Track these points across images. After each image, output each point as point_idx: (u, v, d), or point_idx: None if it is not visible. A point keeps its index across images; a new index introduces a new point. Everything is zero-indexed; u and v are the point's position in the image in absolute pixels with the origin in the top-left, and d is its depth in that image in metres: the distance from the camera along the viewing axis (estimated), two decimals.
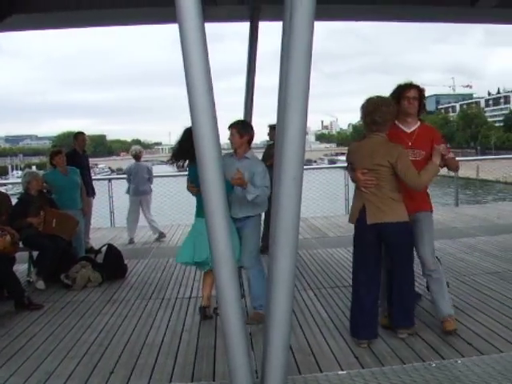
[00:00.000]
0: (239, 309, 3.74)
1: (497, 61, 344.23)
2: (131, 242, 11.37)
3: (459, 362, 4.65)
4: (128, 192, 11.70)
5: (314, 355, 5.01)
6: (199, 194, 4.89)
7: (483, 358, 4.71)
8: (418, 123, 5.53)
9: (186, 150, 5.82)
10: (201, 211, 5.20)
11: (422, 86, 5.57)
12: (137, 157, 11.70)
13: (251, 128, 6.28)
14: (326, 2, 9.04)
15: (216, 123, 3.49)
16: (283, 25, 3.78)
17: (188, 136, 5.28)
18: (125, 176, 12.06)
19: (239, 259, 5.82)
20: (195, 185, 5.50)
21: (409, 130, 5.46)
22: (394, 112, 5.22)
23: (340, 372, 4.59)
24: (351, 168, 5.45)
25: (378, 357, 4.87)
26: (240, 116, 10.03)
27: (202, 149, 3.47)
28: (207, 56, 3.45)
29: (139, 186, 11.52)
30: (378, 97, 5.27)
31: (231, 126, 6.11)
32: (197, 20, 3.38)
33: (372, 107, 5.15)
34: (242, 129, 6.15)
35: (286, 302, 3.69)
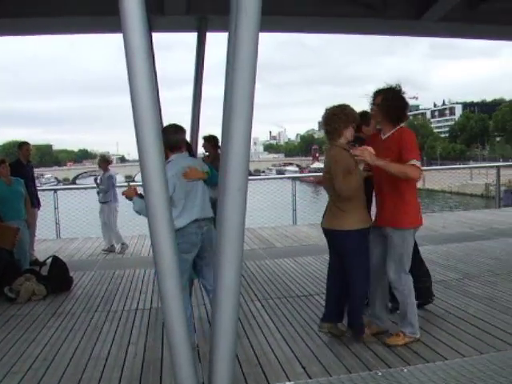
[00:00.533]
0: (185, 320, 3.69)
1: (441, 73, 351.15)
2: (123, 248, 11.33)
3: (405, 370, 4.70)
4: (103, 201, 11.51)
5: (261, 366, 4.98)
6: None
7: (428, 365, 4.79)
8: (393, 130, 5.34)
9: None
10: None
11: (397, 89, 5.38)
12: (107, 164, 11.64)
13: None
14: (273, 13, 9.10)
15: (160, 133, 3.46)
16: (228, 35, 3.77)
17: None
18: (71, 186, 11.87)
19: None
20: None
21: (383, 137, 5.44)
22: (345, 118, 5.26)
23: (287, 383, 4.59)
24: None
25: (324, 366, 4.88)
26: (187, 126, 10.00)
27: (145, 159, 3.42)
28: (151, 65, 3.41)
29: (109, 194, 11.38)
30: (335, 106, 5.38)
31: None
32: (141, 29, 3.34)
33: (325, 117, 5.34)
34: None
35: (231, 313, 3.66)
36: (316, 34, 16.60)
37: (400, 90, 5.38)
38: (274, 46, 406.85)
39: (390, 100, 5.31)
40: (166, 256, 3.57)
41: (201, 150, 9.57)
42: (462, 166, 51.97)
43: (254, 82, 3.43)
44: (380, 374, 4.63)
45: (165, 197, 3.52)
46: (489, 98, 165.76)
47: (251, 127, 3.42)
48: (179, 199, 5.29)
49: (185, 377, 3.71)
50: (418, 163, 5.13)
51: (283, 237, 11.90)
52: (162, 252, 3.56)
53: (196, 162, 5.82)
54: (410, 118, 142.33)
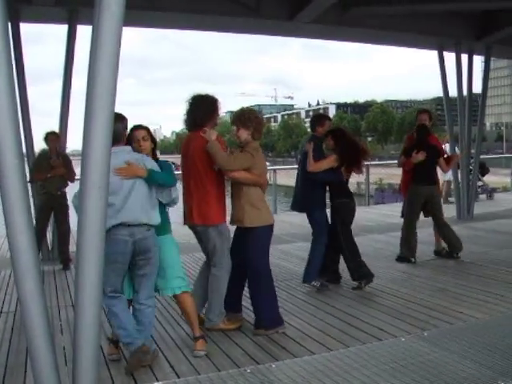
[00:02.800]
0: (45, 323, 3.53)
1: (315, 74, 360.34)
2: None
3: (273, 366, 4.74)
4: None
5: None
6: None
7: (296, 360, 4.86)
8: None
9: None
10: None
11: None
12: None
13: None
14: (147, 8, 8.97)
15: (18, 128, 3.27)
16: (92, 28, 3.65)
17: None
18: None
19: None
20: None
21: None
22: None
23: (155, 383, 4.51)
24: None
25: (193, 365, 4.84)
26: (56, 122, 9.69)
27: (2, 156, 3.23)
28: (9, 56, 3.23)
29: None
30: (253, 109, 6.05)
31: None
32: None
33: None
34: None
35: (93, 317, 3.55)
36: (191, 31, 16.53)
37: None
38: (149, 42, 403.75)
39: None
40: (24, 253, 3.38)
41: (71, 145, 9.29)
42: None
43: (116, 77, 3.35)
44: (249, 370, 4.64)
45: (22, 191, 3.34)
46: (361, 100, 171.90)
47: (112, 123, 3.33)
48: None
49: (45, 381, 3.56)
50: None
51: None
52: (20, 248, 3.37)
53: (137, 156, 4.95)
54: (285, 117, 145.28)
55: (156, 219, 4.88)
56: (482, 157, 19.10)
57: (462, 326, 5.62)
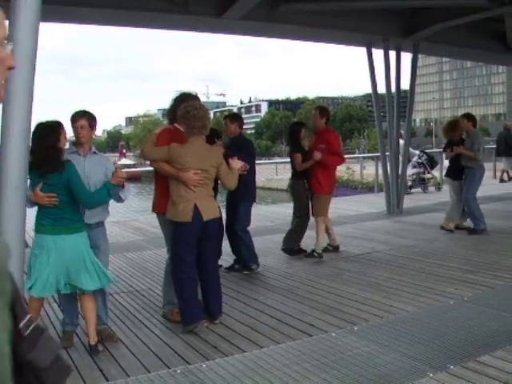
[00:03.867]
0: None
1: (246, 71, 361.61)
2: None
3: (204, 365, 4.69)
4: None
5: None
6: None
7: (227, 359, 4.82)
8: None
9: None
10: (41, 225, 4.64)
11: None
12: None
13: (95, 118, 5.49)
14: (75, 4, 8.77)
15: None
16: (9, 23, 3.51)
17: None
18: None
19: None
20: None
21: None
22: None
23: None
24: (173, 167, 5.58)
25: (123, 368, 4.75)
26: None
27: None
28: None
29: None
30: (195, 103, 5.75)
31: (78, 117, 5.19)
32: None
33: (204, 113, 5.62)
34: (92, 119, 5.35)
35: None
36: (120, 28, 16.37)
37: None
38: (79, 38, 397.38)
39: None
40: None
41: None
42: (267, 161, 53.59)
43: (34, 74, 3.23)
44: (179, 371, 4.58)
45: None
46: (293, 96, 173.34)
47: (30, 122, 3.21)
48: None
49: None
50: None
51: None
52: None
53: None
54: (217, 114, 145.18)
55: None
56: (429, 151, 20.17)
57: (392, 320, 5.68)
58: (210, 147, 5.85)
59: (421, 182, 18.13)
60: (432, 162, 18.35)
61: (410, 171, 17.35)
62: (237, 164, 5.99)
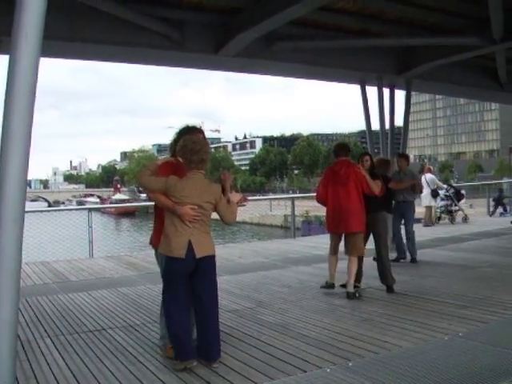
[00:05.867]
0: None
1: (239, 107, 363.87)
2: None
3: None
4: None
5: None
6: None
7: None
8: None
9: None
10: None
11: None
12: None
13: None
14: (65, 39, 8.86)
15: None
16: (9, 59, 3.56)
17: None
18: None
19: None
20: None
21: None
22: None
23: None
24: (169, 200, 5.48)
25: None
26: None
27: None
28: None
29: None
30: (197, 136, 5.73)
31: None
32: None
33: (200, 146, 5.51)
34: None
35: (7, 355, 3.41)
36: (112, 63, 16.48)
37: None
38: (73, 72, 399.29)
39: None
40: None
41: None
42: (261, 197, 53.75)
43: (33, 109, 3.26)
44: None
45: None
46: (287, 133, 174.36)
47: (28, 155, 3.23)
48: None
49: None
50: None
51: (79, 270, 11.46)
52: None
53: None
54: (213, 150, 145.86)
55: None
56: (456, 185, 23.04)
57: (387, 355, 5.65)
58: (208, 182, 5.64)
59: (448, 213, 19.49)
60: (459, 195, 19.76)
61: (439, 203, 19.23)
62: (235, 197, 5.90)
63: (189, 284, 5.54)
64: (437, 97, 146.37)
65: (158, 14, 9.74)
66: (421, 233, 16.01)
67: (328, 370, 5.24)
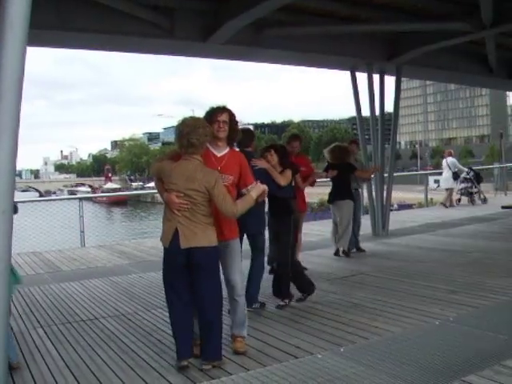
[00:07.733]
0: None
1: (227, 95, 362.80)
2: None
3: None
4: None
5: None
6: None
7: (213, 382, 4.82)
8: (228, 148, 5.59)
9: None
10: None
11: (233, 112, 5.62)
12: None
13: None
14: (53, 28, 8.80)
15: None
16: None
17: None
18: None
19: None
20: None
21: (219, 154, 5.50)
22: (210, 134, 5.23)
23: None
24: (162, 187, 5.25)
25: None
26: None
27: None
28: None
29: None
30: (193, 118, 5.35)
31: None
32: None
33: (189, 129, 5.09)
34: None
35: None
36: (99, 52, 16.40)
37: None
38: (60, 62, 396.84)
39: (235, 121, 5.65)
40: None
41: None
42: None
43: (21, 99, 3.25)
44: None
45: None
46: (278, 120, 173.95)
47: (17, 146, 3.21)
48: None
49: None
50: None
51: (70, 260, 11.45)
52: None
53: None
54: None
55: None
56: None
57: (378, 341, 5.68)
58: (200, 169, 5.09)
59: (468, 195, 20.12)
60: (478, 178, 20.40)
61: (459, 186, 19.95)
62: (257, 190, 5.33)
63: (187, 279, 5.19)
64: (427, 82, 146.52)
65: (148, 1, 9.69)
66: (409, 218, 16.06)
67: (320, 356, 5.26)
